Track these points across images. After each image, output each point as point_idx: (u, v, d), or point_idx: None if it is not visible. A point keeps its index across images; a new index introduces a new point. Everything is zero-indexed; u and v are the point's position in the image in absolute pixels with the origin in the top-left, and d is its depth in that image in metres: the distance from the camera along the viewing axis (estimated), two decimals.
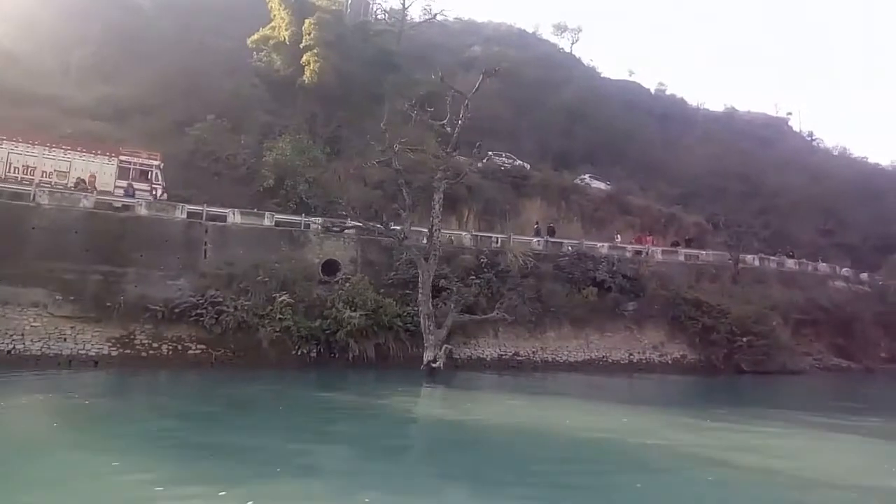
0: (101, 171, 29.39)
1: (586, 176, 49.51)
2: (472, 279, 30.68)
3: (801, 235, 58.65)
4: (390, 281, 29.23)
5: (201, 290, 26.16)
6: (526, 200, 43.98)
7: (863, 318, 40.07)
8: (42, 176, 28.13)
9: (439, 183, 25.43)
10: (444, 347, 23.84)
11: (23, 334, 22.91)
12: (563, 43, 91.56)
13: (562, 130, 60.52)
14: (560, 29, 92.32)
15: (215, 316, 25.34)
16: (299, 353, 26.26)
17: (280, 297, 26.42)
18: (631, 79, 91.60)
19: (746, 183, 63.54)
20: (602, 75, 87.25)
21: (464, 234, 33.63)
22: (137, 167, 30.14)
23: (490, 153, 47.15)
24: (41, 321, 23.50)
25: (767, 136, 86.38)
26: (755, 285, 37.36)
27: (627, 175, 55.25)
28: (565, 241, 35.97)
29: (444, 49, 70.09)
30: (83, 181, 28.73)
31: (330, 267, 29.10)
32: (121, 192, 29.01)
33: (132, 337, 24.39)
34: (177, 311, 25.14)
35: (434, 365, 23.59)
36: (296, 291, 26.98)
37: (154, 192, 29.71)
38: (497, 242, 33.60)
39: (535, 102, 61.79)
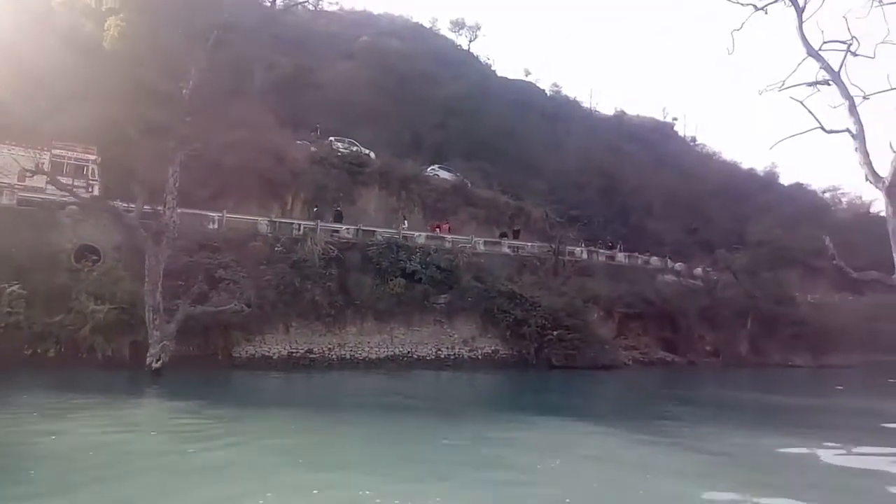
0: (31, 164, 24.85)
1: (435, 166, 48.00)
2: (263, 269, 28.25)
3: (668, 233, 60.20)
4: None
5: None
6: (362, 188, 41.85)
7: (688, 313, 40.54)
8: None
9: (173, 154, 22.52)
10: (161, 345, 20.98)
11: None
12: (461, 40, 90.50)
13: (440, 124, 59.76)
14: (458, 25, 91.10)
15: None
16: (33, 352, 22.92)
17: (10, 287, 22.90)
18: (526, 79, 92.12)
19: (616, 181, 64.54)
20: (497, 73, 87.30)
21: (260, 219, 30.89)
22: (72, 162, 28.89)
23: (331, 138, 44.92)
24: None
25: (653, 139, 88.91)
26: (579, 278, 36.84)
27: (502, 171, 54.82)
28: (378, 229, 33.95)
29: (325, 37, 67.57)
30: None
31: (86, 253, 25.67)
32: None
33: None
34: None
35: (155, 366, 20.78)
36: (33, 281, 23.55)
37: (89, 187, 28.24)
38: (299, 230, 31.11)
39: (418, 95, 60.43)
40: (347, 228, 32.70)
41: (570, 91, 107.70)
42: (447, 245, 34.46)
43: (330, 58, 60.62)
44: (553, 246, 37.10)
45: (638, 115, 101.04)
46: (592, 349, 32.72)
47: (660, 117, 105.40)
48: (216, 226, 28.88)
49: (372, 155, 45.19)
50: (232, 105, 37.82)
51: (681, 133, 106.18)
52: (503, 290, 32.93)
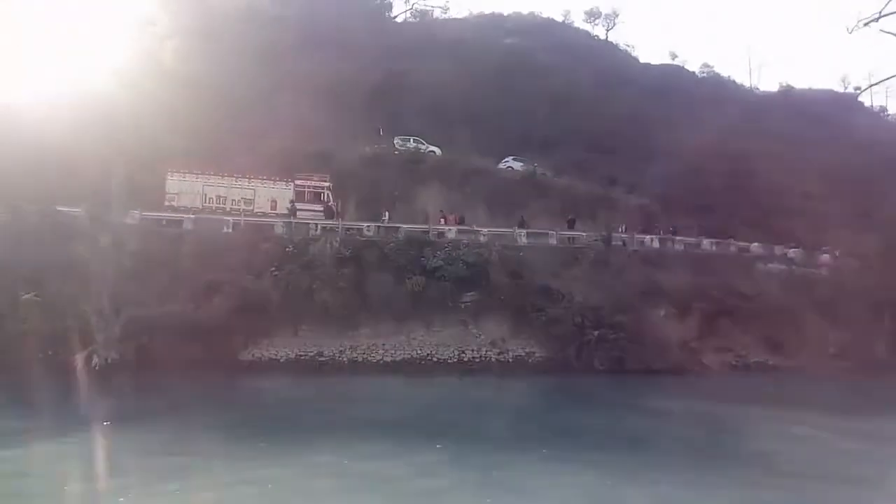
0: (281, 196, 33.14)
1: (509, 158, 45.28)
2: (273, 271, 27.94)
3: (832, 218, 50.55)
4: None
5: None
6: (420, 186, 40.38)
7: (801, 307, 33.37)
8: (231, 204, 32.31)
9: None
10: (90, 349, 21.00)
11: None
12: (598, 30, 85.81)
13: (553, 116, 55.68)
14: (592, 16, 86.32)
15: None
16: None
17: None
18: (673, 62, 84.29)
19: (764, 164, 55.72)
20: (640, 60, 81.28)
21: (275, 221, 30.60)
22: (311, 190, 34.08)
23: (396, 138, 44.20)
24: None
25: (831, 113, 76.13)
26: (644, 270, 31.84)
27: (625, 160, 50.19)
28: (403, 225, 32.08)
29: (475, 44, 66.10)
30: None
31: None
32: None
33: None
34: None
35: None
36: None
37: (326, 211, 33.15)
38: (316, 229, 30.36)
39: (534, 90, 56.77)
40: (368, 226, 31.32)
41: (724, 71, 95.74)
42: (482, 239, 31.63)
43: (448, 62, 59.15)
44: (603, 234, 32.48)
45: (810, 89, 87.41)
46: (647, 350, 27.90)
47: (839, 88, 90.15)
48: (230, 230, 29.07)
49: (437, 151, 43.72)
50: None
51: (867, 103, 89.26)
52: (539, 286, 29.41)
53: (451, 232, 31.69)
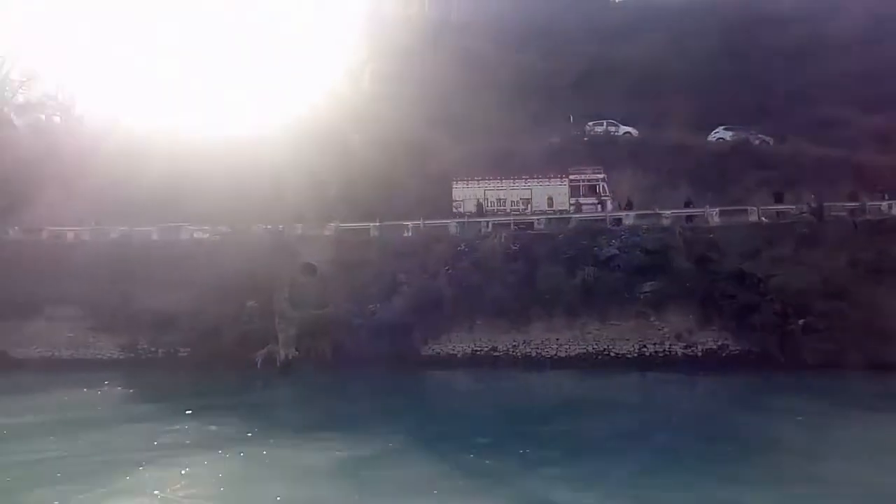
0: (556, 192, 33.94)
1: (720, 128, 40.81)
2: (447, 270, 29.07)
3: None
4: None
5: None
6: (611, 171, 38.29)
7: None
8: (510, 206, 34.15)
9: None
10: (267, 347, 23.43)
11: None
12: None
13: (784, 74, 48.75)
14: None
15: None
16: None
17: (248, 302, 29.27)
18: None
19: None
20: None
21: (449, 222, 31.53)
22: (585, 183, 34.22)
23: (589, 123, 42.74)
24: None
25: None
26: (877, 245, 26.10)
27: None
28: (574, 216, 30.66)
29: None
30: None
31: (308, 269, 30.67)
32: (572, 208, 33.12)
33: None
34: None
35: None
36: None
37: (601, 203, 33.34)
38: (488, 227, 30.68)
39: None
40: (538, 219, 30.67)
41: None
42: (664, 222, 28.95)
43: (662, 32, 54.86)
44: (812, 205, 27.24)
45: None
46: (874, 341, 22.88)
47: None
48: (409, 233, 30.86)
49: (633, 132, 41.28)
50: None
51: None
52: (731, 269, 25.98)
53: (629, 218, 29.59)
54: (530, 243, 29.29)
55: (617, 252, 27.68)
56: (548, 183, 34.03)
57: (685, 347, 25.99)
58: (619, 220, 30.00)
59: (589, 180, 34.08)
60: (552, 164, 36.57)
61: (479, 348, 27.96)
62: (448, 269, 28.92)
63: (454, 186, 34.61)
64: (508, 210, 33.52)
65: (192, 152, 39.06)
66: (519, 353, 27.42)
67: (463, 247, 29.61)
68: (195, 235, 32.74)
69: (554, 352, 27.18)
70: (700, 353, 25.75)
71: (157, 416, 19.08)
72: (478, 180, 34.59)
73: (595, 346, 26.88)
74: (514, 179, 34.45)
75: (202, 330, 28.77)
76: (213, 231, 32.88)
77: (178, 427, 17.03)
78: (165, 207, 34.64)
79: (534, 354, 27.28)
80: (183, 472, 13.12)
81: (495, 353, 27.61)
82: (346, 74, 44.28)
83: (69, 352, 29.67)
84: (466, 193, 34.17)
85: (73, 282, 30.05)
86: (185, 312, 29.15)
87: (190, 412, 18.56)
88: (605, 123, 42.14)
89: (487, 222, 31.22)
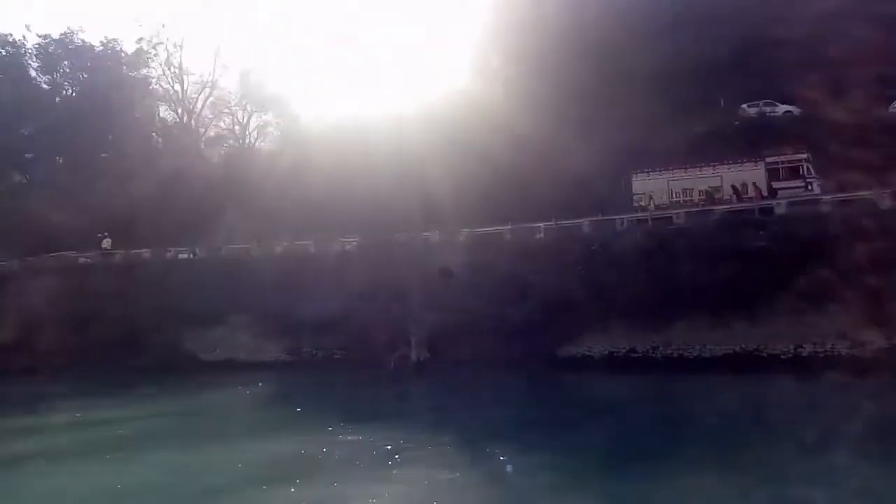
0: (751, 177, 31.52)
1: None
2: (580, 270, 28.72)
3: None
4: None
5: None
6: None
7: None
8: (697, 195, 32.21)
9: None
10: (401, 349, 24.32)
11: None
12: None
13: None
14: None
15: None
16: None
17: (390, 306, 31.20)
18: None
19: None
20: None
21: (582, 220, 30.89)
22: (785, 165, 31.52)
23: (743, 105, 39.70)
24: None
25: None
26: None
27: None
28: (717, 207, 28.46)
29: None
30: (737, 188, 31.29)
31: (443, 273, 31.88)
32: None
33: None
34: None
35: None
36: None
37: (808, 187, 30.38)
38: (622, 224, 29.68)
39: None
40: (677, 214, 29.03)
41: None
42: (823, 209, 26.04)
43: None
44: None
45: None
46: None
47: None
48: (542, 235, 30.85)
49: (794, 111, 37.70)
50: None
51: None
52: None
53: (780, 206, 27.03)
54: (669, 238, 27.93)
55: (765, 243, 25.45)
56: (739, 168, 31.83)
57: (850, 347, 23.21)
58: (769, 210, 27.52)
59: (789, 161, 31.38)
60: (697, 154, 34.54)
61: (616, 350, 27.24)
62: (581, 269, 28.54)
63: (634, 179, 33.68)
64: (696, 200, 31.69)
65: (343, 164, 42.41)
66: (659, 355, 26.30)
67: (597, 246, 29.04)
68: (346, 248, 35.42)
69: (697, 352, 25.69)
70: (869, 354, 22.81)
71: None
72: (660, 171, 33.34)
73: (743, 347, 24.97)
74: (700, 167, 32.67)
75: (352, 334, 31.17)
76: (360, 240, 35.47)
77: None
78: (324, 219, 38.19)
79: (675, 356, 25.99)
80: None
81: (634, 355, 26.74)
82: (480, 75, 45.07)
83: (245, 355, 33.63)
84: (648, 186, 33.06)
85: (247, 293, 34.16)
86: (338, 317, 31.77)
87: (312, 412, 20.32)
88: (760, 104, 38.78)
89: (622, 220, 30.18)
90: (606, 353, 27.29)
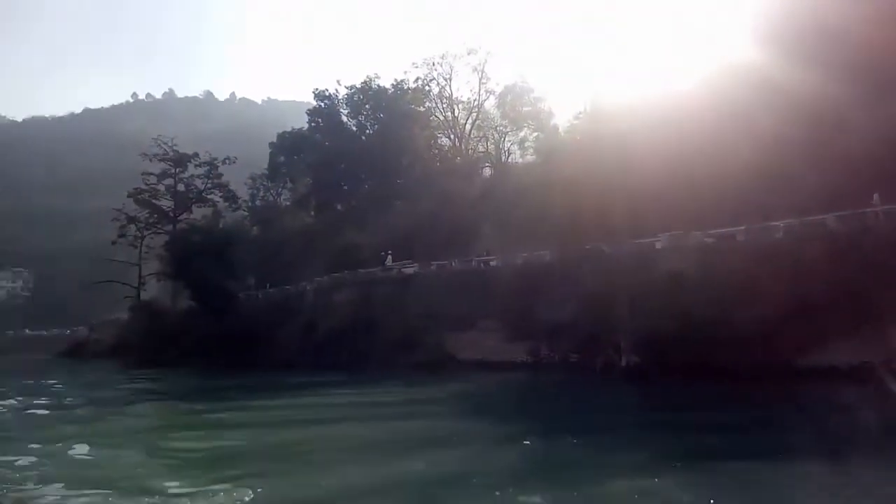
0: None
1: None
2: (822, 272, 25.82)
3: None
4: None
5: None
6: None
7: None
8: None
9: None
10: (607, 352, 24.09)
11: None
12: None
13: None
14: None
15: None
16: None
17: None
18: None
19: None
20: None
21: (826, 215, 27.16)
22: None
23: None
24: None
25: None
26: None
27: None
28: None
29: None
30: None
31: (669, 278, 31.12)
32: None
33: None
34: None
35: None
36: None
37: None
38: (877, 217, 25.51)
39: None
40: None
41: None
42: None
43: None
44: None
45: None
46: None
47: None
48: (780, 235, 28.30)
49: None
50: None
51: None
52: None
53: None
54: None
55: None
56: None
57: None
58: None
59: None
60: None
61: (867, 359, 23.89)
62: (823, 271, 25.61)
63: None
64: None
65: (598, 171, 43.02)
66: None
67: (844, 244, 25.72)
68: (579, 255, 36.79)
69: None
70: None
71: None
72: None
73: None
74: None
75: (582, 337, 32.65)
76: (590, 247, 36.28)
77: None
78: (575, 228, 39.86)
79: None
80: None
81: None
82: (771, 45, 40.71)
83: (493, 355, 37.42)
84: None
85: (494, 300, 38.05)
86: (572, 322, 33.53)
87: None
88: None
89: (876, 213, 26.10)
90: (857, 362, 24.13)
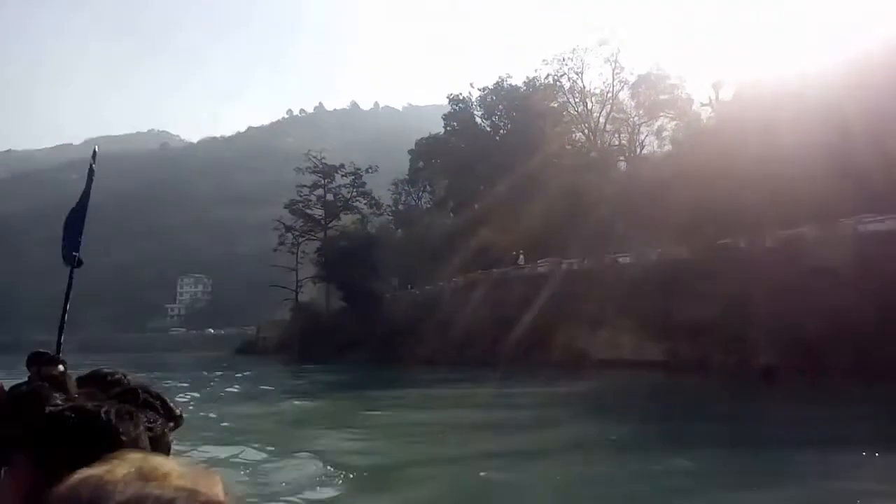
0: None
1: None
2: None
3: None
4: None
5: None
6: None
7: None
8: None
9: None
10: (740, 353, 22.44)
11: None
12: None
13: None
14: None
15: None
16: None
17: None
18: None
19: None
20: None
21: None
22: None
23: None
24: None
25: None
26: None
27: None
28: None
29: None
30: None
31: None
32: None
33: None
34: None
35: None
36: None
37: None
38: None
39: None
40: None
41: None
42: None
43: None
44: None
45: None
46: None
47: None
48: None
49: None
50: None
51: None
52: None
53: None
54: None
55: None
56: None
57: None
58: None
59: None
60: None
61: None
62: None
63: None
64: None
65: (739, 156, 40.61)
66: None
67: None
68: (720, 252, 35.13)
69: None
70: None
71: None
72: None
73: None
74: None
75: (724, 338, 31.17)
76: (747, 241, 34.38)
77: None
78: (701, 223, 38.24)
79: None
80: None
81: None
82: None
83: (628, 354, 36.82)
84: None
85: (628, 298, 37.42)
86: (710, 321, 32.15)
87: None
88: None
89: None
90: None
